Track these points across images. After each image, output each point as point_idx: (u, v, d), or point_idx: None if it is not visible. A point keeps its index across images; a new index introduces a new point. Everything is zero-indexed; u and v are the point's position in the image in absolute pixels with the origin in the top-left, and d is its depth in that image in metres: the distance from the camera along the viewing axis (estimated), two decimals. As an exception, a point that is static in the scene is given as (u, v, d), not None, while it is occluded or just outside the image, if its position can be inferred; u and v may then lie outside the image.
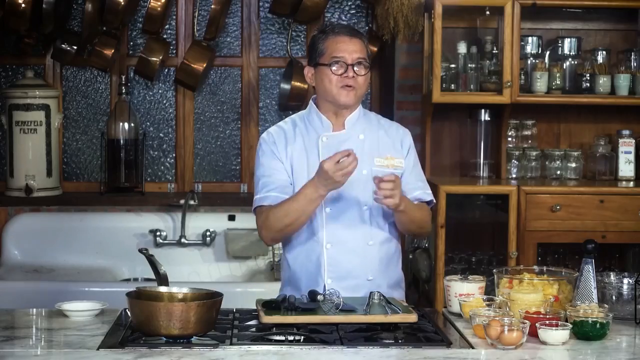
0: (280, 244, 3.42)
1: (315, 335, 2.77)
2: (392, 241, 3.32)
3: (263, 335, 2.80)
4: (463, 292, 3.10)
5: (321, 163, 3.07)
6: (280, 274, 3.44)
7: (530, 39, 5.01)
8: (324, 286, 3.22)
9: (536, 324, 2.78)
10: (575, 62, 5.00)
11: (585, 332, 2.81)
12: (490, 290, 3.18)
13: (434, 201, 3.40)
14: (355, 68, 3.21)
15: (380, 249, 3.27)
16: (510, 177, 4.95)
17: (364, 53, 3.24)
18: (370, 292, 2.96)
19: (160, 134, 5.58)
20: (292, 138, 3.29)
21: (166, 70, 5.54)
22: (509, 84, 4.74)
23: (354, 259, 3.24)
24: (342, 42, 3.22)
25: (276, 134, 3.31)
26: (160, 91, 5.58)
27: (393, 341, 2.76)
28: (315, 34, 3.32)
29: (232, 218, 5.27)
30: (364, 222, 3.25)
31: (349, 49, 3.21)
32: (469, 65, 4.90)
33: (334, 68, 3.20)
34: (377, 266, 3.27)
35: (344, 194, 3.22)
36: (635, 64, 4.97)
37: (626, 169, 4.94)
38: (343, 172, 3.03)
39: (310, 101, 3.36)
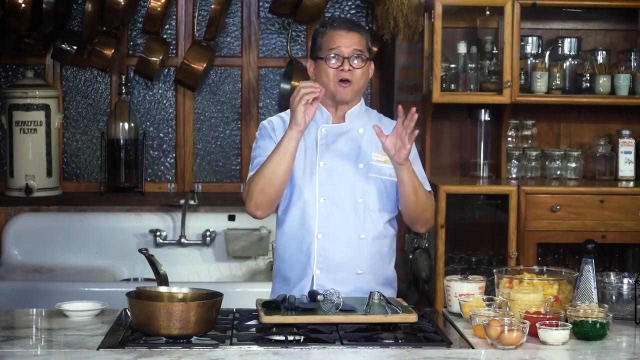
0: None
1: (315, 335, 2.77)
2: (385, 238, 3.31)
3: (263, 335, 2.80)
4: (463, 292, 3.10)
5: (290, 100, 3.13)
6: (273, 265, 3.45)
7: (530, 39, 5.01)
8: (313, 277, 3.23)
9: (536, 324, 2.78)
10: (575, 62, 5.00)
11: (585, 332, 2.81)
12: (490, 290, 3.18)
13: (433, 196, 3.39)
14: (354, 61, 3.20)
15: (372, 244, 3.27)
16: (510, 177, 4.95)
17: (362, 46, 3.22)
18: (370, 292, 2.96)
19: (160, 134, 5.59)
20: None
21: (166, 70, 5.54)
22: (509, 84, 4.74)
23: (344, 251, 3.23)
24: (339, 36, 3.22)
25: (277, 122, 3.33)
26: (160, 91, 5.58)
27: (393, 341, 2.76)
28: (316, 28, 3.34)
29: (232, 218, 5.27)
30: (358, 215, 3.24)
31: (346, 42, 3.21)
32: (469, 65, 4.89)
33: (331, 62, 3.20)
34: (367, 261, 3.26)
35: (339, 186, 3.22)
36: (635, 64, 4.97)
37: (626, 169, 4.94)
38: (300, 95, 3.06)
39: None
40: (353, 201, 3.24)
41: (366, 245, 3.26)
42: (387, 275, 3.35)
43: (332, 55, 3.20)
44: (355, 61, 3.21)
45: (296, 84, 5.26)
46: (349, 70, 3.20)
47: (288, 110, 3.36)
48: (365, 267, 3.26)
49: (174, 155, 5.59)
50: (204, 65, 5.30)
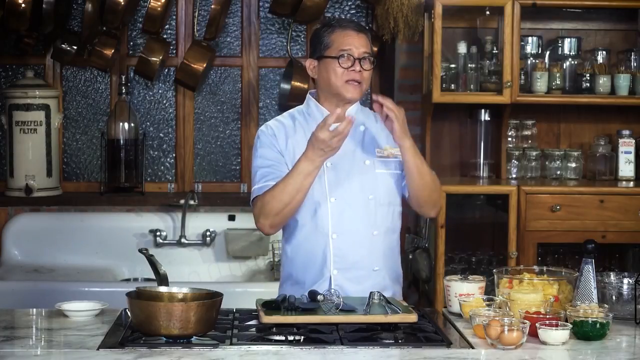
0: (279, 242, 3.42)
1: (315, 335, 2.77)
2: (395, 233, 3.33)
3: (263, 335, 2.80)
4: (463, 292, 3.10)
5: (314, 133, 3.07)
6: (280, 270, 3.44)
7: (530, 39, 5.01)
8: (330, 277, 3.22)
9: (536, 324, 2.78)
10: (575, 62, 5.00)
11: (585, 332, 2.81)
12: (490, 290, 3.18)
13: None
14: (363, 63, 3.22)
15: (384, 239, 3.28)
16: (510, 177, 4.95)
17: (369, 48, 3.26)
18: (370, 292, 2.96)
19: (160, 134, 5.59)
20: (293, 131, 3.29)
21: (166, 70, 5.54)
22: (509, 84, 4.74)
23: (360, 250, 3.23)
24: (349, 36, 3.23)
25: (275, 127, 3.31)
26: (160, 91, 5.58)
27: (393, 341, 2.76)
28: (319, 27, 3.32)
29: (232, 218, 5.27)
30: (369, 212, 3.24)
31: (356, 43, 3.22)
32: (469, 65, 4.90)
33: (342, 61, 3.21)
34: (382, 257, 3.27)
35: (349, 184, 3.22)
36: (635, 64, 4.97)
37: (626, 169, 4.94)
38: (339, 137, 3.03)
39: (308, 95, 3.37)
40: (364, 198, 3.24)
41: (379, 241, 3.26)
42: (398, 271, 3.36)
43: (345, 55, 3.21)
44: (364, 63, 3.23)
45: (297, 84, 5.26)
46: (360, 71, 3.21)
47: (285, 114, 3.38)
48: (381, 263, 3.27)
49: (174, 155, 5.59)
50: (204, 65, 5.29)
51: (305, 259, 3.27)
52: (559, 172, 4.95)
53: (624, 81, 4.88)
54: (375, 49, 5.23)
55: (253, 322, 2.93)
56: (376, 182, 3.25)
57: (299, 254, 3.29)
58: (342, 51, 3.21)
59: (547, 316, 2.83)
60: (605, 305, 2.91)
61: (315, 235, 3.24)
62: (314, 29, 3.39)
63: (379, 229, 3.26)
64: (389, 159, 3.27)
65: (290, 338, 2.76)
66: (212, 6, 5.21)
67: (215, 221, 5.28)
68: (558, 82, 4.89)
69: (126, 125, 5.37)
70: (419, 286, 4.93)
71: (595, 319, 2.81)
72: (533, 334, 2.77)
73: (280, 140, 3.27)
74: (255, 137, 3.34)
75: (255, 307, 2.97)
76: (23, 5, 5.00)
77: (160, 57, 5.29)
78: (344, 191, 3.22)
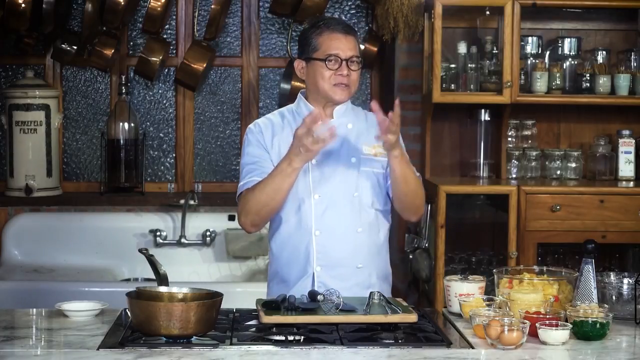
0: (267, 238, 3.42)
1: (315, 335, 2.77)
2: (381, 231, 3.33)
3: (263, 335, 2.80)
4: (463, 292, 3.10)
5: (295, 130, 3.08)
6: (268, 267, 3.44)
7: (530, 39, 5.01)
8: (313, 274, 3.23)
9: (536, 324, 2.78)
10: (575, 62, 5.00)
11: (585, 332, 2.81)
12: (490, 290, 3.18)
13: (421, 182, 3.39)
14: (351, 66, 3.22)
15: (369, 236, 3.28)
16: (510, 177, 4.95)
17: (357, 50, 3.26)
18: (370, 292, 2.96)
19: (160, 134, 5.59)
20: (280, 128, 3.31)
21: (166, 70, 5.54)
22: (509, 84, 4.74)
23: (343, 247, 3.24)
24: (336, 39, 3.23)
25: (263, 124, 3.33)
26: (160, 91, 5.58)
27: (393, 341, 2.76)
28: (307, 28, 3.32)
29: (232, 218, 5.27)
30: (354, 209, 3.25)
31: (343, 47, 3.22)
32: (469, 65, 4.89)
33: (329, 64, 3.21)
34: (366, 255, 3.27)
35: (333, 181, 3.24)
36: (635, 64, 4.97)
37: (626, 169, 4.94)
38: (318, 142, 3.02)
39: (299, 94, 3.38)
40: (349, 196, 3.25)
41: (363, 239, 3.27)
42: (384, 269, 3.36)
43: (332, 59, 3.21)
44: (351, 65, 3.23)
45: (297, 83, 5.26)
46: (347, 75, 3.21)
47: (275, 112, 3.40)
48: (365, 261, 3.27)
49: (174, 155, 5.59)
50: (204, 65, 5.30)
51: (290, 255, 3.28)
52: (559, 172, 4.94)
53: (624, 81, 4.87)
54: (374, 49, 5.24)
55: (253, 322, 2.93)
56: (361, 180, 3.26)
57: (283, 250, 3.30)
58: (329, 55, 3.22)
59: (547, 316, 2.83)
60: (605, 305, 2.91)
61: (298, 231, 3.25)
62: (303, 28, 3.38)
63: (363, 226, 3.26)
64: (375, 157, 3.27)
65: (290, 338, 2.76)
66: (212, 6, 5.22)
67: (215, 221, 5.29)
68: (558, 82, 4.88)
69: (126, 125, 5.37)
70: (419, 286, 4.93)
71: (595, 319, 2.81)
72: (533, 334, 2.77)
73: (266, 137, 3.29)
74: (244, 134, 3.37)
75: (255, 307, 2.97)
76: (23, 5, 5.01)
77: (160, 57, 5.29)
78: (328, 188, 3.24)
